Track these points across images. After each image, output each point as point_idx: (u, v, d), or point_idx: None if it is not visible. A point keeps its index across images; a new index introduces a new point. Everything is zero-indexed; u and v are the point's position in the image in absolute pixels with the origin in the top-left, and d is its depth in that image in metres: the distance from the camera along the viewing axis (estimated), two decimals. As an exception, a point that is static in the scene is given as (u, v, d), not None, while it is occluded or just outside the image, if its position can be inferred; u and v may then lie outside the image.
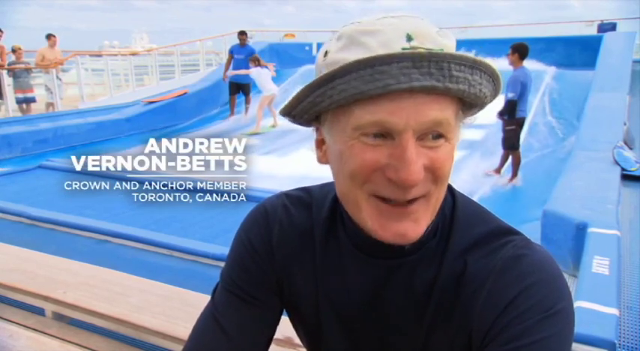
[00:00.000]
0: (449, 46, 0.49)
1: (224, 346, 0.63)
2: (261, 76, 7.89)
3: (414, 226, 0.52)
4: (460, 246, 0.56)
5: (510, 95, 5.02)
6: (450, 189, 0.61)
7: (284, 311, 0.70)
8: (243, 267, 0.66)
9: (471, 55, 0.47)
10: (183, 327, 1.40)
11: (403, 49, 0.46)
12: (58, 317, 1.63)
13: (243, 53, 8.60)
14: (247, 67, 8.54)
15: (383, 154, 0.49)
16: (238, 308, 0.65)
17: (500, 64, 8.03)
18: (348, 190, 0.54)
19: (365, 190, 0.52)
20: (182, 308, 1.52)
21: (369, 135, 0.50)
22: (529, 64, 5.21)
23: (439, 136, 0.49)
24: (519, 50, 5.02)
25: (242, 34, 8.74)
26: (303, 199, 0.67)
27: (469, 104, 0.52)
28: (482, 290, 0.53)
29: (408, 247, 0.56)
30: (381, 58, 0.46)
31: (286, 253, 0.65)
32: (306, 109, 0.54)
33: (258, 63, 7.98)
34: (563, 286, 0.53)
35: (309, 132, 0.60)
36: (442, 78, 0.46)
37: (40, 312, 1.67)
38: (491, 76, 0.50)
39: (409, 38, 0.47)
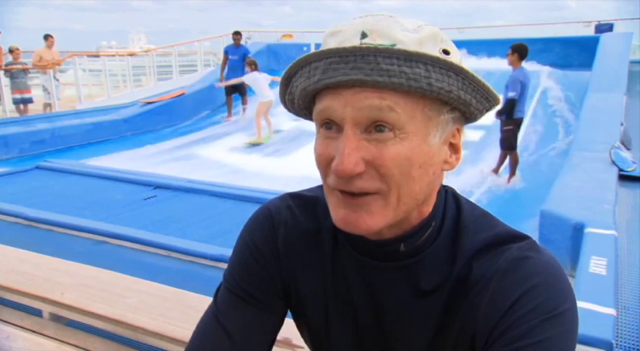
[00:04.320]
0: (405, 42, 0.48)
1: (227, 347, 0.63)
2: (257, 81, 7.40)
3: (367, 217, 0.51)
4: (467, 251, 0.56)
5: (511, 94, 5.03)
6: (455, 195, 0.61)
7: (287, 313, 0.69)
8: (247, 269, 0.65)
9: (411, 49, 0.47)
10: (181, 328, 1.40)
11: (354, 46, 0.48)
12: (56, 318, 1.63)
13: (237, 54, 8.58)
14: (242, 68, 8.51)
15: (332, 147, 0.51)
16: (242, 310, 0.64)
17: (498, 65, 8.05)
18: (323, 183, 0.56)
19: (328, 183, 0.53)
20: (180, 309, 1.52)
21: (323, 127, 0.53)
22: (526, 64, 5.24)
23: (383, 127, 0.49)
24: (519, 51, 5.04)
25: (236, 34, 8.71)
26: (307, 199, 0.67)
27: (451, 105, 0.52)
28: (487, 291, 0.53)
29: (404, 250, 0.57)
30: (313, 55, 0.50)
31: (293, 256, 0.65)
32: (296, 107, 0.58)
33: (255, 67, 7.55)
34: (567, 289, 0.53)
35: None
36: (370, 71, 0.47)
37: (37, 313, 1.66)
38: (453, 70, 0.49)
39: (363, 35, 0.49)
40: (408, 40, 0.48)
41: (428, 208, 0.57)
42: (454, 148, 0.55)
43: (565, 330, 0.51)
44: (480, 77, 0.51)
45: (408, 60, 0.47)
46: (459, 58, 0.52)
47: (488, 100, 0.53)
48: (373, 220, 0.52)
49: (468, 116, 0.55)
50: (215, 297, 0.67)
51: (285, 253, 0.65)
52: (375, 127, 0.49)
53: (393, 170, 0.49)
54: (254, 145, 7.38)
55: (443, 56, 0.49)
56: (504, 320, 0.51)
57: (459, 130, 0.55)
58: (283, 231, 0.65)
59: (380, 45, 0.47)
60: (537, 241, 0.57)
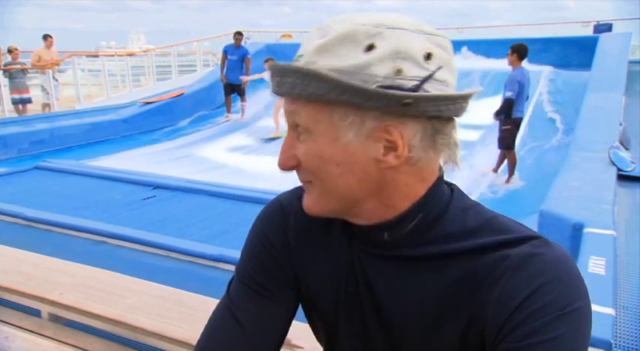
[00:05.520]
0: (306, 52, 0.54)
1: (240, 338, 0.64)
2: None
3: (309, 201, 0.60)
4: (472, 248, 0.55)
5: (508, 94, 5.05)
6: (463, 197, 0.60)
7: (297, 308, 0.70)
8: (260, 261, 0.67)
9: (305, 59, 0.53)
10: (180, 328, 1.40)
11: (284, 63, 0.55)
12: (54, 318, 1.63)
13: (237, 54, 8.60)
14: (241, 68, 8.55)
15: None
16: (254, 302, 0.66)
17: (496, 64, 8.01)
18: None
19: None
20: (178, 309, 1.52)
21: None
22: (525, 64, 5.24)
23: (301, 128, 0.56)
24: (519, 51, 5.05)
25: (238, 34, 8.73)
26: None
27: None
28: (497, 287, 0.53)
29: (388, 239, 0.58)
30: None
31: (304, 245, 0.66)
32: None
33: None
34: (581, 286, 0.53)
35: None
36: (276, 85, 0.55)
37: (35, 313, 1.66)
38: (313, 76, 0.51)
39: (301, 48, 0.56)
40: (308, 50, 0.53)
41: (402, 203, 0.56)
42: (393, 146, 0.53)
43: (578, 327, 0.50)
44: (340, 77, 0.49)
45: (285, 72, 0.53)
46: (390, 48, 0.50)
47: (374, 98, 0.50)
48: (314, 203, 0.59)
49: (401, 112, 0.51)
50: (228, 289, 0.69)
51: (295, 243, 0.67)
52: (298, 128, 0.56)
53: (309, 165, 0.56)
54: (272, 139, 7.51)
55: (319, 65, 0.51)
56: (516, 315, 0.51)
57: (391, 126, 0.52)
58: (294, 221, 0.67)
59: (298, 56, 0.55)
60: None
